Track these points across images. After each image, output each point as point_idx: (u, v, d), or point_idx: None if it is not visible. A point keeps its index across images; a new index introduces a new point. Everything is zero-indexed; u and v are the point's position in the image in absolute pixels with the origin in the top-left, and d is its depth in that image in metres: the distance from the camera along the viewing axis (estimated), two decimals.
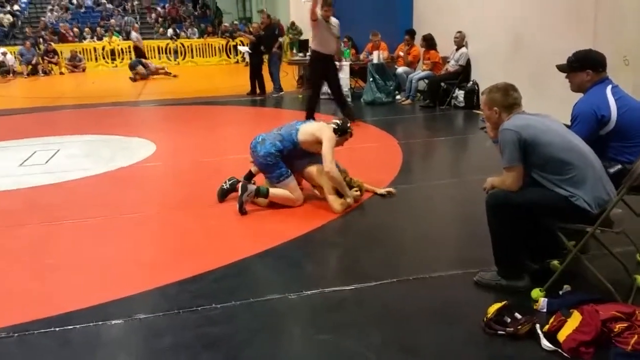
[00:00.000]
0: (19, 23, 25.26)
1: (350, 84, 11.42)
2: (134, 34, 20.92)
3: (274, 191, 4.88)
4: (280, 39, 12.29)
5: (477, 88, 9.48)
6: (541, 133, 3.05)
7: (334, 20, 8.32)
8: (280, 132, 4.97)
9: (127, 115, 11.00)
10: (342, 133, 4.95)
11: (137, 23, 24.49)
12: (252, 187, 4.82)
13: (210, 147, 7.70)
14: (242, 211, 4.74)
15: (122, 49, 21.92)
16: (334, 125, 4.96)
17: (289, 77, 14.99)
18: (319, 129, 4.92)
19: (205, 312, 3.20)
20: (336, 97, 8.82)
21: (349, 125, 5.04)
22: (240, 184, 4.86)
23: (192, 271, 3.70)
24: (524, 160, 3.06)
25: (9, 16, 25.12)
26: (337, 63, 8.70)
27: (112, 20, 25.05)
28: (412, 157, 6.72)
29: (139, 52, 19.45)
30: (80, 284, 3.62)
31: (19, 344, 2.95)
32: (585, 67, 3.53)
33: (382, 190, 5.18)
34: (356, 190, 4.98)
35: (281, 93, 12.50)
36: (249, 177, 5.10)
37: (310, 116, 8.13)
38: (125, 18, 25.96)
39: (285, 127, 5.02)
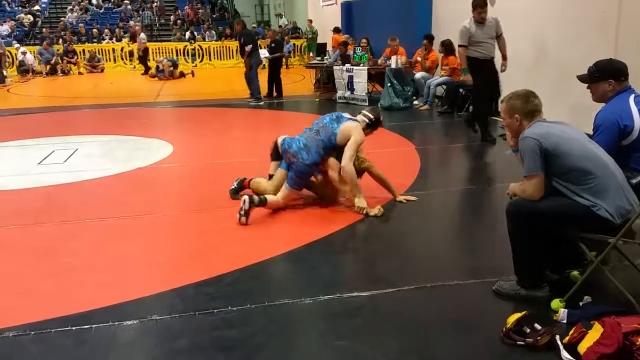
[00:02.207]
0: (39, 23, 25.54)
1: (368, 89, 11.39)
2: (143, 35, 20.92)
3: (270, 199, 4.85)
4: (247, 48, 11.91)
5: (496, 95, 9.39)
6: (562, 141, 3.01)
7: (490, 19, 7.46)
8: (320, 137, 4.91)
9: (145, 116, 11.06)
10: (374, 127, 5.04)
11: (156, 24, 24.70)
12: (255, 199, 4.71)
13: (227, 149, 7.72)
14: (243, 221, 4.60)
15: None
16: (367, 120, 5.00)
17: (306, 80, 15.02)
18: (352, 130, 4.88)
19: (221, 314, 3.19)
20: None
21: (380, 118, 5.11)
22: (244, 197, 4.66)
23: (208, 273, 3.69)
24: (545, 168, 3.02)
25: (29, 16, 25.43)
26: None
27: (131, 22, 25.24)
28: (430, 163, 6.69)
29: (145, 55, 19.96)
30: (97, 284, 3.63)
31: (36, 342, 2.96)
32: (607, 76, 3.47)
33: (401, 198, 5.12)
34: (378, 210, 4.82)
35: (260, 103, 12.09)
36: (241, 183, 5.26)
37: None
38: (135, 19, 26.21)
39: (323, 130, 4.95)
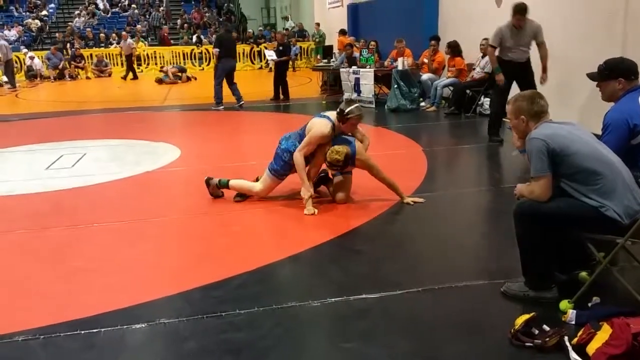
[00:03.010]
0: (47, 28, 25.70)
1: (375, 91, 11.39)
2: (125, 42, 20.21)
3: (233, 183, 5.31)
4: (215, 51, 11.81)
5: None
6: (569, 142, 3.00)
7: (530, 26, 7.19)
8: (299, 130, 5.18)
9: (152, 120, 11.11)
10: (343, 118, 4.98)
11: (165, 25, 24.75)
12: (214, 181, 5.35)
13: (234, 152, 7.74)
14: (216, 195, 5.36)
15: (147, 55, 22.19)
16: (337, 113, 5.03)
17: (313, 83, 15.04)
18: (316, 124, 5.04)
19: (229, 317, 3.20)
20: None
21: (350, 108, 4.98)
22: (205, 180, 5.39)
23: (216, 276, 3.70)
24: (553, 169, 3.01)
25: (37, 21, 25.60)
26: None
27: (138, 26, 25.35)
28: (437, 165, 6.67)
29: (128, 61, 19.69)
30: (106, 287, 3.64)
31: (45, 346, 2.97)
32: (617, 75, 3.46)
33: (408, 200, 5.10)
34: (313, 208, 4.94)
35: (220, 107, 11.86)
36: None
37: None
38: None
39: (305, 125, 5.19)
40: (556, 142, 2.99)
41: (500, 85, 7.38)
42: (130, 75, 19.73)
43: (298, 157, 4.95)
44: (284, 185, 5.30)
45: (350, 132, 5.15)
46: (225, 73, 11.79)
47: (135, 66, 20.39)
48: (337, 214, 4.90)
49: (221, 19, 28.15)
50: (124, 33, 21.34)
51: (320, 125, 5.00)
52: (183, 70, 18.92)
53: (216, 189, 5.37)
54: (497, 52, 7.42)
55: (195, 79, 18.70)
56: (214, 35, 23.73)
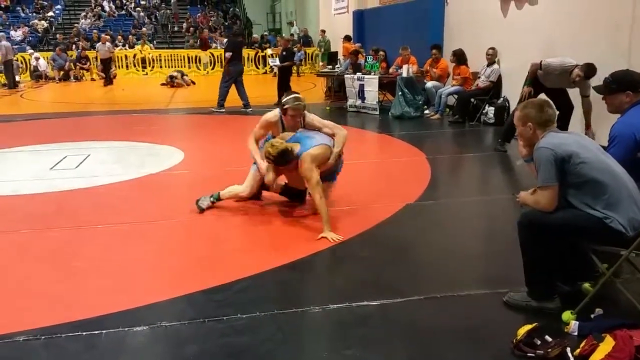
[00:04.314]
0: (53, 29, 25.80)
1: (379, 98, 11.40)
2: (103, 45, 19.34)
3: (222, 193, 5.24)
4: (227, 54, 11.96)
5: (508, 104, 9.41)
6: (577, 152, 2.99)
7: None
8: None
9: (157, 122, 11.12)
10: (283, 111, 4.90)
11: (168, 31, 24.78)
12: (205, 202, 5.18)
13: (237, 156, 7.71)
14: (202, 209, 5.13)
15: (152, 57, 22.25)
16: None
17: (317, 89, 15.06)
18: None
19: (231, 321, 3.19)
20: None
21: (287, 99, 4.89)
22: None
23: (218, 280, 3.70)
24: (560, 179, 3.01)
25: (43, 22, 25.71)
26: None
27: (144, 29, 25.43)
28: (440, 173, 6.67)
29: (106, 65, 19.22)
30: (108, 289, 3.64)
31: (46, 347, 2.97)
32: (625, 88, 3.46)
33: (327, 235, 4.42)
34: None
35: (221, 110, 11.95)
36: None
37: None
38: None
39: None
40: (564, 150, 2.98)
41: (525, 97, 7.12)
42: (101, 82, 18.95)
43: (250, 142, 5.02)
44: None
45: (291, 124, 4.89)
46: (235, 76, 12.00)
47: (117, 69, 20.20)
48: (338, 220, 4.89)
49: (227, 23, 28.23)
50: (103, 35, 20.60)
51: (269, 112, 5.04)
52: (183, 74, 18.83)
53: (211, 205, 5.20)
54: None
55: (194, 83, 18.65)
56: (218, 40, 23.91)
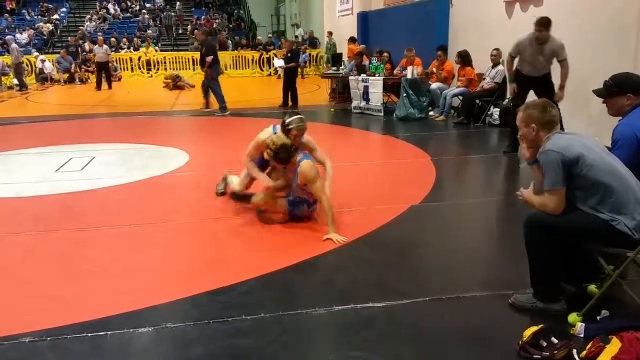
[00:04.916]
0: (58, 32, 25.90)
1: (383, 100, 11.39)
2: (101, 48, 18.30)
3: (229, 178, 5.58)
4: (208, 59, 11.79)
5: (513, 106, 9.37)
6: (584, 155, 2.98)
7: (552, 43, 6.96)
8: None
9: (161, 125, 11.15)
10: (286, 131, 4.86)
11: (173, 34, 24.81)
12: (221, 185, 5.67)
13: (242, 158, 7.73)
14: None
15: (157, 60, 22.31)
16: (281, 124, 4.95)
17: (322, 90, 15.07)
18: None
19: (236, 323, 3.20)
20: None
21: (291, 119, 4.88)
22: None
23: (223, 282, 3.70)
24: (567, 182, 2.99)
25: (49, 25, 25.83)
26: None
27: (149, 32, 25.50)
28: (445, 175, 6.66)
29: (104, 69, 18.26)
30: (113, 291, 3.65)
31: (52, 348, 2.98)
32: (625, 91, 3.43)
33: (333, 236, 4.45)
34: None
35: (227, 113, 11.93)
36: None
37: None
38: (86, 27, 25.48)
39: None
40: (572, 153, 2.97)
41: (514, 96, 7.29)
42: (105, 85, 18.21)
43: (246, 161, 5.13)
44: None
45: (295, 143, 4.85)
46: (217, 78, 12.09)
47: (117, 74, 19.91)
48: (344, 222, 4.89)
49: (231, 26, 28.30)
50: (99, 38, 19.72)
51: (263, 132, 5.06)
52: (178, 77, 18.75)
53: (224, 191, 5.63)
54: (516, 63, 7.31)
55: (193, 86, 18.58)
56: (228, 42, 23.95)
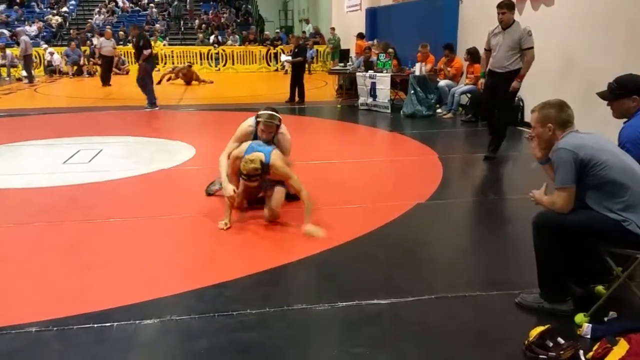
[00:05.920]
0: (67, 24, 25.93)
1: (391, 96, 11.35)
2: (108, 41, 17.39)
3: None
4: (145, 52, 11.75)
5: (522, 104, 9.35)
6: (598, 153, 2.95)
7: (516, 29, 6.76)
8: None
9: (168, 118, 11.16)
10: (257, 122, 4.95)
11: (181, 27, 24.77)
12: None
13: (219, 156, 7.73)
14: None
15: (165, 54, 22.30)
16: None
17: (328, 86, 15.03)
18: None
19: (240, 317, 3.20)
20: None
21: (262, 112, 4.97)
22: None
23: (228, 275, 3.71)
24: (579, 180, 2.97)
25: (57, 17, 25.86)
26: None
27: (157, 25, 25.49)
28: (452, 172, 6.64)
29: (109, 63, 17.71)
30: (119, 282, 3.66)
31: (57, 338, 2.99)
32: (630, 93, 3.37)
33: (309, 228, 4.45)
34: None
35: (155, 108, 11.90)
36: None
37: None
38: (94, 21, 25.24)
39: None
40: (585, 152, 2.94)
41: (480, 93, 7.26)
42: (112, 79, 17.64)
43: (221, 159, 5.00)
44: None
45: (262, 137, 4.92)
46: (150, 73, 12.21)
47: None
48: (349, 218, 4.89)
49: (238, 20, 28.25)
50: (107, 31, 18.49)
51: (245, 121, 5.07)
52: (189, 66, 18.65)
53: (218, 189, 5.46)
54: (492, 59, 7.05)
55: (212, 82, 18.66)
56: (231, 37, 23.91)
